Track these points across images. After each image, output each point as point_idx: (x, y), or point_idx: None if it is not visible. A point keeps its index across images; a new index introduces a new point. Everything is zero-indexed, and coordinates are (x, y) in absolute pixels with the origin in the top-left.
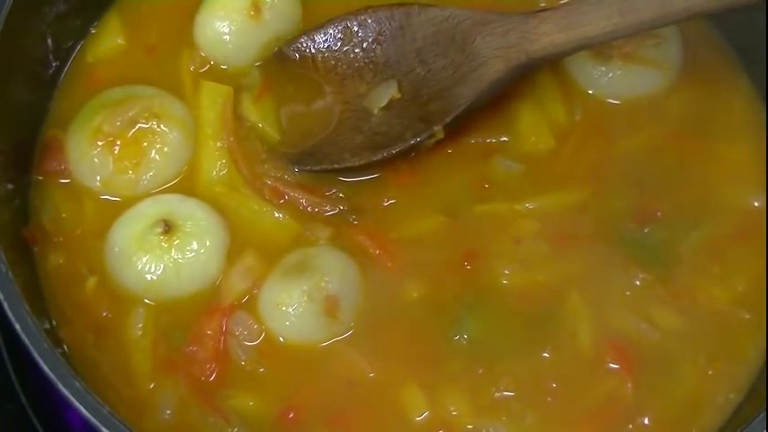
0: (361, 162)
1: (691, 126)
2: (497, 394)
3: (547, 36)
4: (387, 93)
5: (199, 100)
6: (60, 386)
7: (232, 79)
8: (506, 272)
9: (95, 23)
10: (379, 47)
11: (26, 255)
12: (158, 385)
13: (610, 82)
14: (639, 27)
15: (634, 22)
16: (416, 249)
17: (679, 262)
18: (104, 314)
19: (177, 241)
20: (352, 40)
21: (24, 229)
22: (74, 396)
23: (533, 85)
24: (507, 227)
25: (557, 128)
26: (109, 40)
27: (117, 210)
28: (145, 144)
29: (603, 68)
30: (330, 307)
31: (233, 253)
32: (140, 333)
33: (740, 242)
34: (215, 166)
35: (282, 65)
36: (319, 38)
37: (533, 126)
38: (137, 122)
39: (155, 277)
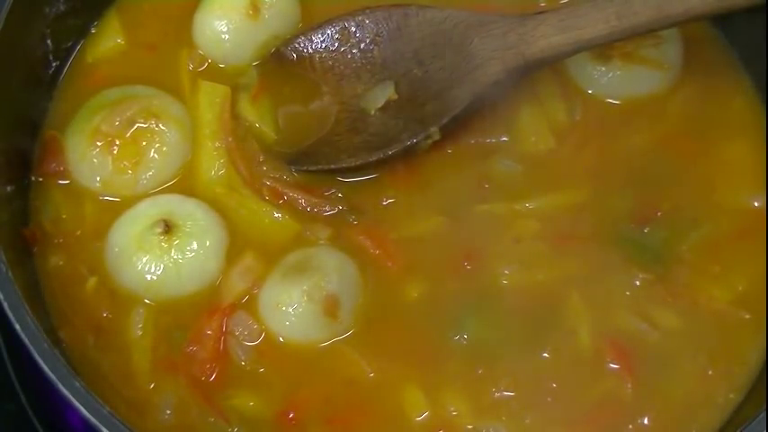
0: (358, 162)
1: (691, 126)
2: (497, 394)
3: (544, 38)
4: (384, 94)
5: (197, 100)
6: (60, 386)
7: (230, 78)
8: (506, 272)
9: (95, 23)
10: (376, 47)
11: (26, 255)
12: (158, 385)
13: (610, 82)
14: (637, 30)
15: (631, 25)
16: (416, 249)
17: (679, 262)
18: (104, 314)
19: (177, 241)
20: (349, 41)
21: (24, 230)
22: (74, 396)
23: (533, 85)
24: (507, 227)
25: (557, 128)
26: (108, 40)
27: (117, 210)
28: (144, 143)
29: (603, 68)
30: (330, 307)
31: (233, 253)
32: (140, 333)
33: (740, 242)
34: (213, 166)
35: (280, 64)
36: (317, 38)
37: (533, 126)
38: (135, 122)
39: (155, 277)
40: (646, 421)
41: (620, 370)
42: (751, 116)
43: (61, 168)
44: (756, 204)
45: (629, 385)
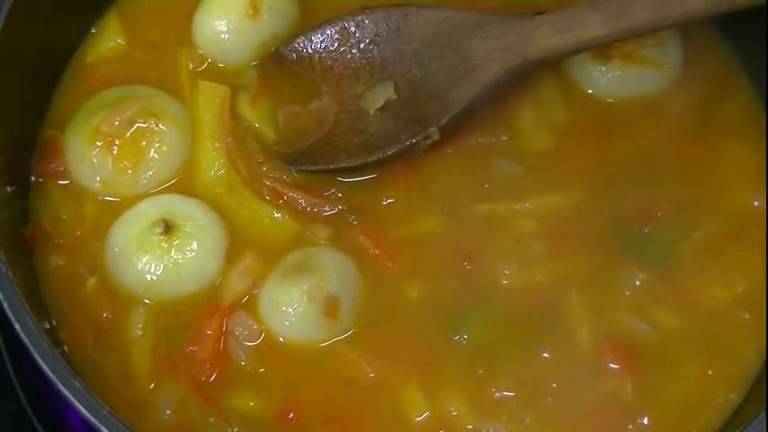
0: (357, 162)
1: (691, 126)
2: (497, 394)
3: (543, 39)
4: (383, 94)
5: (197, 100)
6: (60, 386)
7: (229, 78)
8: (506, 272)
9: (95, 23)
10: (376, 48)
11: (26, 255)
12: (158, 385)
13: (610, 82)
14: (637, 30)
15: (631, 26)
16: (416, 249)
17: (679, 262)
18: (104, 314)
19: (177, 241)
20: (349, 41)
21: (24, 230)
22: (74, 396)
23: (533, 85)
24: (507, 227)
25: (556, 128)
26: (109, 40)
27: (117, 210)
28: (143, 143)
29: (603, 68)
30: (330, 307)
31: (233, 253)
32: (140, 333)
33: (740, 242)
34: (213, 166)
35: (279, 64)
36: (316, 38)
37: (533, 126)
38: (135, 122)
39: (155, 277)
40: (646, 421)
41: (620, 370)
42: (751, 116)
43: (61, 168)
44: (756, 204)
45: (629, 385)
